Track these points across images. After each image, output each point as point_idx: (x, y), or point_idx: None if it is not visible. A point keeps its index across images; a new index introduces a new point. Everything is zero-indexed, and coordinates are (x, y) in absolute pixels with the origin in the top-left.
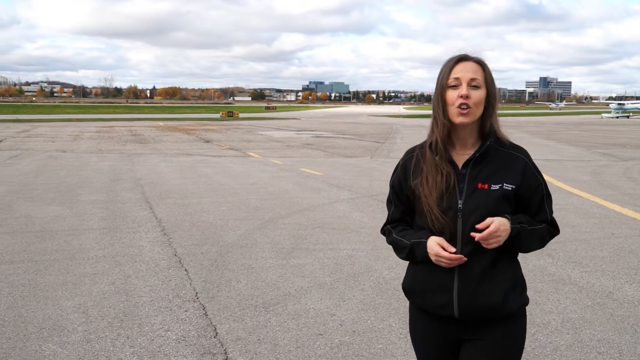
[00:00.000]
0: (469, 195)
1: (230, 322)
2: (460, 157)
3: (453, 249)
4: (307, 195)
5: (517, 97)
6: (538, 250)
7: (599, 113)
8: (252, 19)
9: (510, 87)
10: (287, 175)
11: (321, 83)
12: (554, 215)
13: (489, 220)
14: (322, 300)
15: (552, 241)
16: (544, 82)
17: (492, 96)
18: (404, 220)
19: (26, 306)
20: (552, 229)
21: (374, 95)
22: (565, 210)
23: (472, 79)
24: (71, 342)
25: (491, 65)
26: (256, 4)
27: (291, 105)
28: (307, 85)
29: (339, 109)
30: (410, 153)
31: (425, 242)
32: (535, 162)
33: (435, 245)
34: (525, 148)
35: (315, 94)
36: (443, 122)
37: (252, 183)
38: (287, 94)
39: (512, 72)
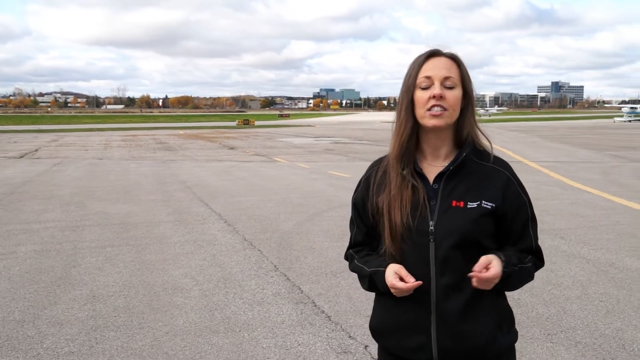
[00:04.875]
0: (442, 215)
1: (309, 284)
2: (432, 169)
3: (412, 279)
4: (341, 193)
5: (528, 102)
6: (552, 232)
7: (600, 118)
8: (262, 27)
9: (522, 92)
10: (318, 177)
11: (332, 90)
12: (540, 244)
13: (484, 260)
14: None
15: (563, 227)
16: (556, 86)
17: (469, 97)
18: (368, 244)
19: (144, 275)
20: (538, 261)
21: (384, 102)
22: (576, 204)
23: (446, 78)
24: (193, 296)
25: (502, 70)
26: (265, 12)
27: (303, 112)
28: (318, 93)
29: (352, 117)
30: (375, 165)
31: (384, 271)
32: (549, 164)
33: (391, 276)
34: (508, 162)
35: (326, 101)
36: (411, 127)
37: (288, 184)
38: (298, 102)
39: (523, 77)
